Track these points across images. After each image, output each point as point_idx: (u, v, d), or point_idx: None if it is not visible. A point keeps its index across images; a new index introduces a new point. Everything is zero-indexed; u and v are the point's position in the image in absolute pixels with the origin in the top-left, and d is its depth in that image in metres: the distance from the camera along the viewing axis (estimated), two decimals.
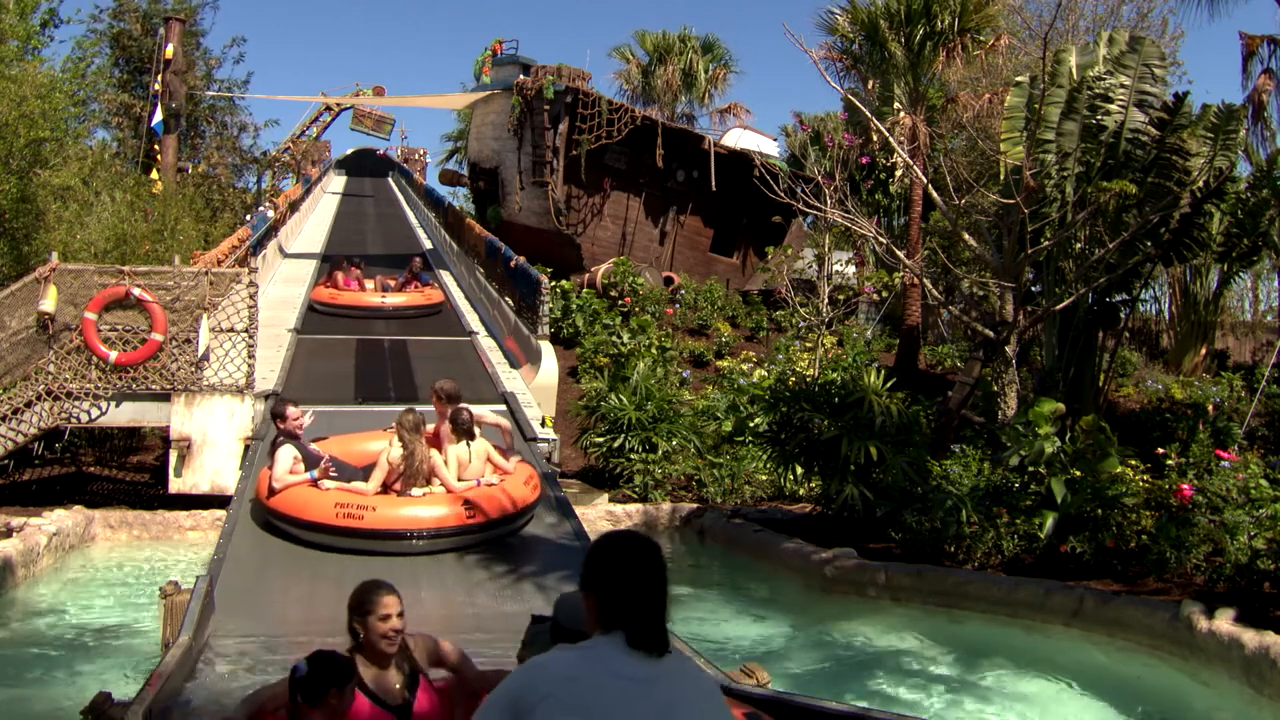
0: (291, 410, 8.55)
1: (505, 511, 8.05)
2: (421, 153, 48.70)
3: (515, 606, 6.84)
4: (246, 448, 10.96)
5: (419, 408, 8.74)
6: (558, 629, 3.61)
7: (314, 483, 8.01)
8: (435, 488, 8.06)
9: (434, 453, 8.17)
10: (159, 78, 23.90)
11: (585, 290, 20.01)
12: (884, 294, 21.84)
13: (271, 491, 8.00)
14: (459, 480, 8.15)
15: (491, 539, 8.00)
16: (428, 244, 25.72)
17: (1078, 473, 8.46)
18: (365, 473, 8.16)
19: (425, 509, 7.75)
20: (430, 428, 8.39)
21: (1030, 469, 8.69)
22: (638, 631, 2.38)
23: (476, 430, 8.42)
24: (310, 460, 8.20)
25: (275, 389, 11.78)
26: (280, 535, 7.96)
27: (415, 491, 7.96)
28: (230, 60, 31.54)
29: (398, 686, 3.97)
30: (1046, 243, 10.81)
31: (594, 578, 2.47)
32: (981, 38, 18.94)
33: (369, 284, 17.55)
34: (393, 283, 17.55)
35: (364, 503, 7.68)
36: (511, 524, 8.21)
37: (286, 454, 8.11)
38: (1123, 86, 11.46)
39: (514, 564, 7.66)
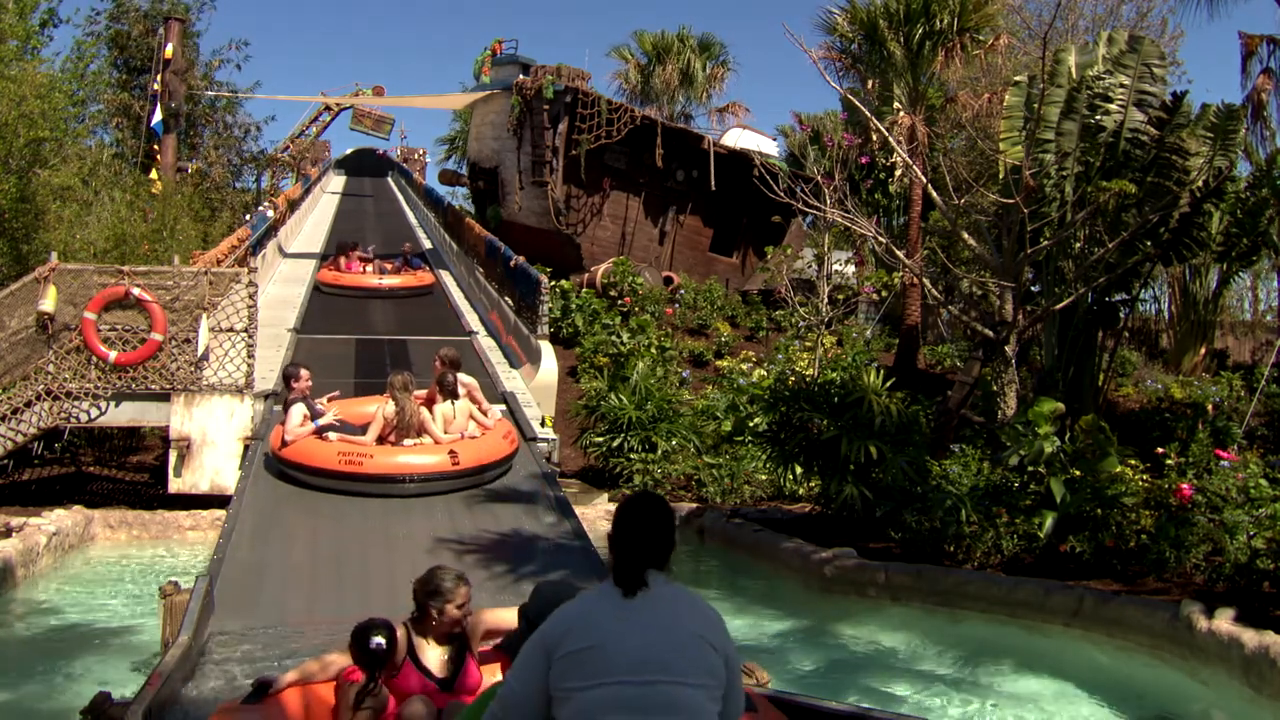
0: (303, 373, 9.61)
1: (485, 460, 9.27)
2: (421, 153, 48.74)
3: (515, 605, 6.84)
4: (246, 448, 10.96)
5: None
6: (528, 622, 3.66)
7: (320, 435, 9.08)
8: (425, 440, 9.19)
9: (423, 409, 9.32)
10: (158, 77, 23.90)
11: (585, 290, 20.01)
12: (883, 294, 21.84)
13: (284, 443, 9.12)
14: (445, 433, 9.30)
15: (474, 484, 9.14)
16: (427, 244, 25.69)
17: (1077, 472, 8.46)
18: (364, 430, 9.24)
19: (416, 457, 8.95)
20: (423, 393, 9.60)
21: (1030, 469, 8.69)
22: (619, 574, 2.93)
23: (460, 391, 9.61)
24: (317, 417, 9.27)
25: (275, 388, 11.79)
26: (291, 482, 9.04)
27: (407, 442, 9.12)
28: (232, 64, 31.55)
29: (446, 659, 4.32)
30: (1046, 242, 10.81)
31: (612, 532, 3.03)
32: (981, 37, 18.94)
33: (367, 268, 19.20)
34: (389, 267, 19.47)
35: (363, 451, 8.86)
36: (491, 471, 9.35)
37: (298, 410, 9.21)
38: (1122, 86, 11.46)
39: (514, 563, 7.67)
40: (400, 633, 4.30)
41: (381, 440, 9.09)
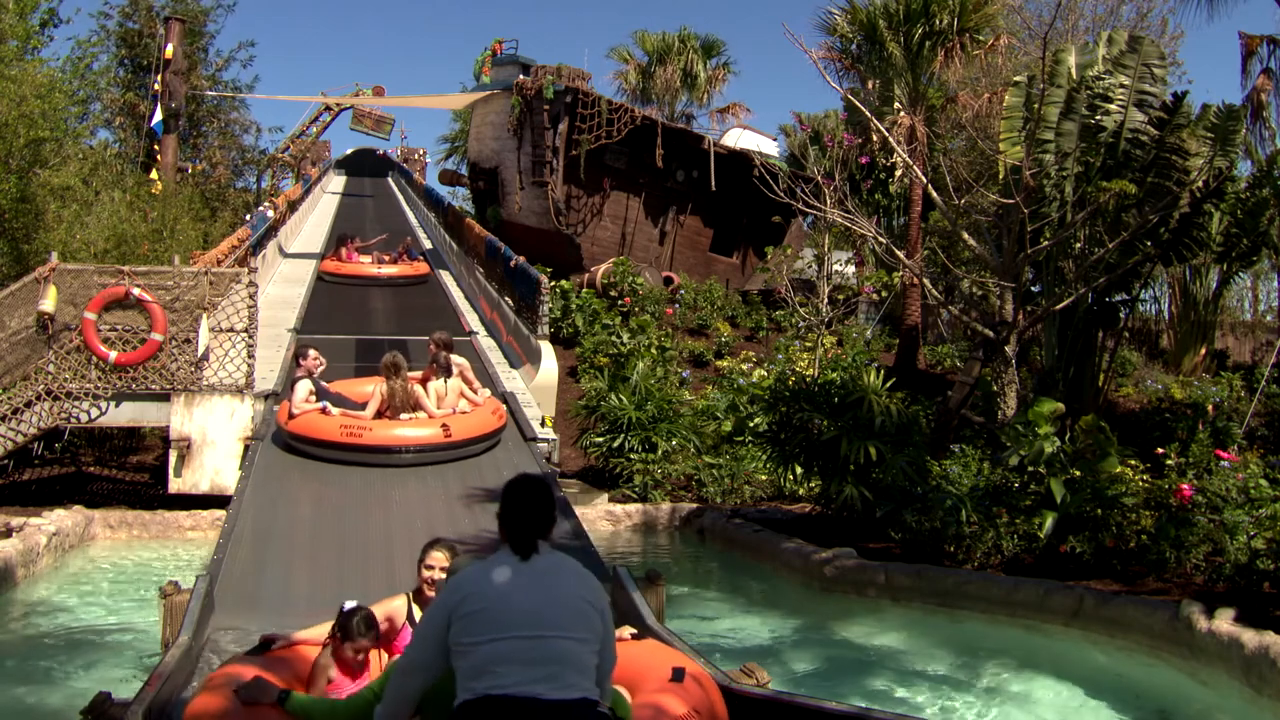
0: (311, 353, 10.42)
1: (475, 433, 10.13)
2: (421, 153, 48.62)
3: None
4: (246, 447, 10.96)
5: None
6: None
7: (323, 411, 9.90)
8: (420, 415, 10.05)
9: (417, 387, 10.16)
10: (159, 77, 23.91)
11: (585, 290, 20.00)
12: (884, 294, 21.83)
13: (290, 416, 9.98)
14: (438, 408, 10.15)
15: (465, 455, 9.93)
16: (427, 244, 25.68)
17: (1077, 473, 8.46)
18: (364, 407, 10.07)
19: (412, 430, 9.86)
20: (418, 374, 10.44)
21: (1030, 469, 8.69)
22: (515, 542, 3.36)
23: (453, 369, 10.46)
24: (322, 393, 10.10)
25: (275, 388, 11.80)
26: (298, 454, 9.82)
27: (404, 416, 10.01)
28: (239, 63, 31.57)
29: None
30: (1046, 243, 10.81)
31: (500, 509, 3.45)
32: (980, 37, 18.94)
33: (365, 259, 20.46)
34: (387, 258, 20.79)
35: (363, 424, 9.77)
36: (481, 443, 10.17)
37: (303, 386, 10.09)
38: (1122, 86, 11.46)
39: None
40: (401, 601, 4.89)
41: (380, 416, 9.96)
